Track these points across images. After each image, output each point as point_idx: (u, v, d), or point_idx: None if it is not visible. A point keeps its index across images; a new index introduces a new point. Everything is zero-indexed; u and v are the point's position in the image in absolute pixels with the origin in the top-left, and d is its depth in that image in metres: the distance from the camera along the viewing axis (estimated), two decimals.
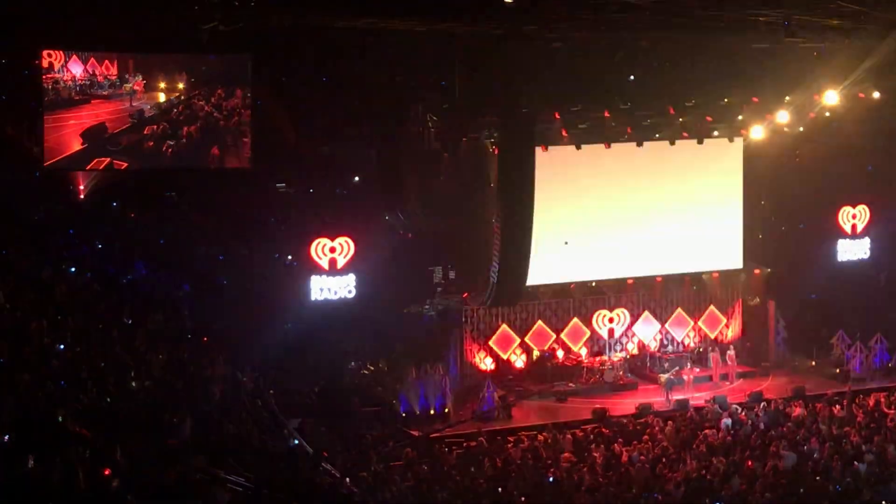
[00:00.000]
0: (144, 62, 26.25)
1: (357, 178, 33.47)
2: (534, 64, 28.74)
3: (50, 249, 25.81)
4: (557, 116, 30.33)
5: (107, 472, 14.70)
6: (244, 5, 22.98)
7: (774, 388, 31.89)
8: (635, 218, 33.59)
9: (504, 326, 33.15)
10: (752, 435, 25.81)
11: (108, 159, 26.28)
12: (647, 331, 34.51)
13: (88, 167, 26.75)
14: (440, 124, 30.68)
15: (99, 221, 28.64)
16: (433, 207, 31.80)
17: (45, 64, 25.28)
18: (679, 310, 34.93)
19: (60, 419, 16.50)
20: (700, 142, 33.11)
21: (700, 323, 35.17)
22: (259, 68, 26.77)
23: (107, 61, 25.91)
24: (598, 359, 33.33)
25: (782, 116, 30.95)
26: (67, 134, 25.78)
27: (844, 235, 35.22)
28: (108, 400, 19.49)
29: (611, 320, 34.09)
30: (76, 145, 25.86)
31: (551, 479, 23.15)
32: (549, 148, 31.27)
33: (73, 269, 25.42)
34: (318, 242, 30.05)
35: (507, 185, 29.28)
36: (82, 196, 28.34)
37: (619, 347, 34.17)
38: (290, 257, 31.89)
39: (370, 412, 28.85)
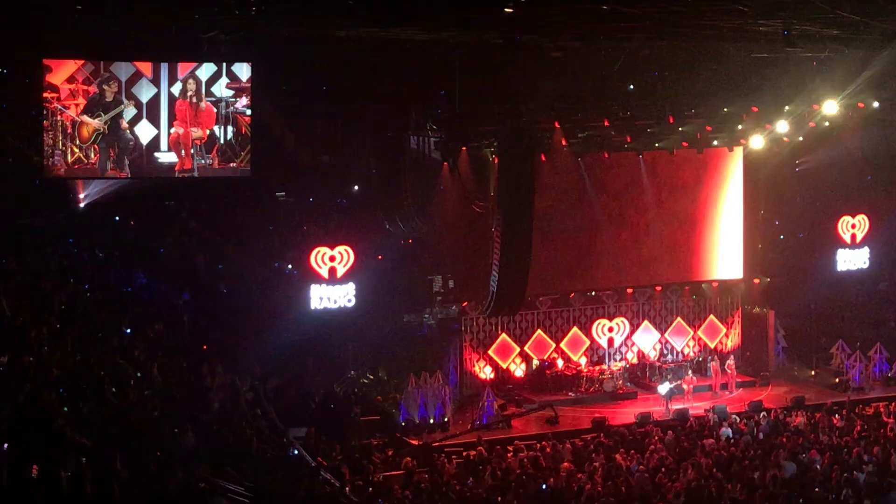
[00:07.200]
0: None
1: (357, 187, 33.51)
2: (533, 73, 28.81)
3: (50, 258, 25.77)
4: (557, 125, 30.35)
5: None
6: (244, 14, 22.98)
7: (774, 397, 31.89)
8: (635, 227, 33.64)
9: (503, 335, 33.14)
10: (752, 445, 25.80)
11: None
12: (647, 340, 34.50)
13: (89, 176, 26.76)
14: (440, 133, 30.70)
15: (99, 230, 28.64)
16: (433, 216, 31.81)
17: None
18: (679, 319, 34.93)
19: (60, 428, 16.44)
20: (700, 151, 33.18)
21: (700, 332, 35.17)
22: (259, 76, 26.77)
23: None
24: (597, 368, 33.34)
25: (782, 126, 30.96)
26: None
27: (844, 245, 35.20)
28: (108, 409, 19.45)
29: (610, 329, 34.11)
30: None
31: (550, 488, 23.12)
32: (549, 157, 31.32)
33: (72, 278, 25.38)
34: (318, 251, 30.03)
35: (506, 193, 29.28)
36: (82, 205, 28.35)
37: (618, 357, 34.18)
38: (289, 266, 31.89)
39: (370, 421, 28.83)
